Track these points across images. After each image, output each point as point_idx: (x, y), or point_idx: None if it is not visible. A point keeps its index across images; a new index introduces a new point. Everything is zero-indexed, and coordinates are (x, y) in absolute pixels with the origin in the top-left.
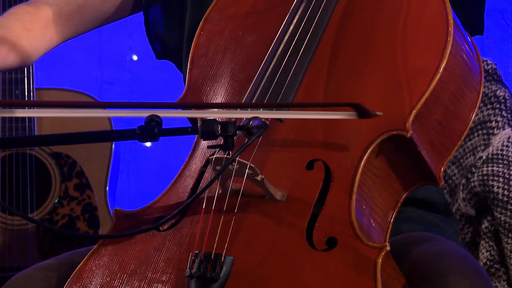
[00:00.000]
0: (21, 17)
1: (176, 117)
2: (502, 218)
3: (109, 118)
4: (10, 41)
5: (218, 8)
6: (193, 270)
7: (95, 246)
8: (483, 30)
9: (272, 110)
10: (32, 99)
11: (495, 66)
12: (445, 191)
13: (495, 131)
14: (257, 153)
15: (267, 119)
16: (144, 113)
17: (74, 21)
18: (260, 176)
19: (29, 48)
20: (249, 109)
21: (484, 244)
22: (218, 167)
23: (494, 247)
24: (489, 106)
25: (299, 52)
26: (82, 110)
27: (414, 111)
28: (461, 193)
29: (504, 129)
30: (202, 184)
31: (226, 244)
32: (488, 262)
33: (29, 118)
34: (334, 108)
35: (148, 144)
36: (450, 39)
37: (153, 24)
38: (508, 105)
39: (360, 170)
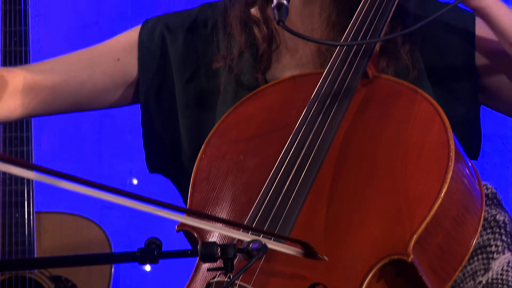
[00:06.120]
0: None
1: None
2: None
3: (109, 243)
4: None
5: (220, 132)
6: None
7: None
8: (477, 155)
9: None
10: (32, 222)
11: (495, 190)
12: None
13: (495, 256)
14: (258, 277)
15: None
16: (147, 208)
17: (45, 99)
18: None
19: None
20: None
21: None
22: None
23: None
24: (488, 231)
25: (300, 177)
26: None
27: (415, 236)
28: None
29: (504, 253)
30: None
31: None
32: None
33: (29, 241)
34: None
35: (148, 268)
36: (451, 164)
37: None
38: (508, 229)
39: None
